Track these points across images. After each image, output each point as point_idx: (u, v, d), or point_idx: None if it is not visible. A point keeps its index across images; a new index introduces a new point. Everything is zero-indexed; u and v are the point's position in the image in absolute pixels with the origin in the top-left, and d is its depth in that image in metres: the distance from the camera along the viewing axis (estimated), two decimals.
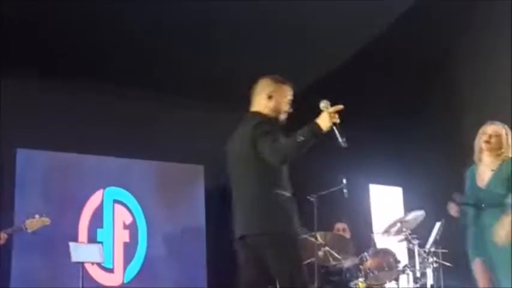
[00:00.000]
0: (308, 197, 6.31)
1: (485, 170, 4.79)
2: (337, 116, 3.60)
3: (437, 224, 6.40)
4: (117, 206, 7.90)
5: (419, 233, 6.51)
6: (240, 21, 7.16)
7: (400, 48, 7.44)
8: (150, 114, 8.09)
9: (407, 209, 8.47)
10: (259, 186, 3.83)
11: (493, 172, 4.72)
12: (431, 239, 6.37)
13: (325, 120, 3.56)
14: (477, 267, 4.70)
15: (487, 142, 4.75)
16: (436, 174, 7.99)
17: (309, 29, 7.33)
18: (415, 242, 6.29)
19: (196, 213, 8.41)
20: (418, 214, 6.50)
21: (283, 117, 4.00)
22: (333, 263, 6.55)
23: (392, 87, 7.76)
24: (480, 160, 4.85)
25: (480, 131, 4.86)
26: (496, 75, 7.11)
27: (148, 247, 7.98)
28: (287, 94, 3.97)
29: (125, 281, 7.74)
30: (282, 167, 3.84)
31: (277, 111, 3.96)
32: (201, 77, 7.86)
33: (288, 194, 3.85)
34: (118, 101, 7.88)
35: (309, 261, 6.26)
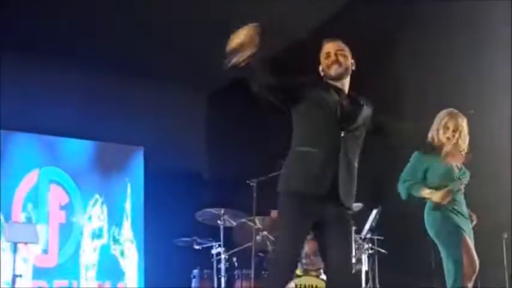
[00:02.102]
0: (248, 182, 6.31)
1: (451, 170, 4.61)
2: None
3: (374, 211, 6.49)
4: (53, 187, 7.77)
5: (356, 220, 6.59)
6: None
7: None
8: (90, 93, 7.95)
9: None
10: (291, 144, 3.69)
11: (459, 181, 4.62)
12: (367, 226, 6.45)
13: None
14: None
15: (449, 139, 4.59)
16: (374, 162, 8.09)
17: None
18: (351, 228, 6.36)
19: (134, 194, 8.34)
20: (355, 205, 6.58)
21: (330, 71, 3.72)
22: (270, 247, 6.58)
23: None
24: (437, 151, 4.63)
25: (441, 121, 4.66)
26: (438, 73, 7.23)
27: (84, 228, 7.89)
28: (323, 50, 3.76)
29: (60, 262, 7.63)
30: (313, 120, 3.61)
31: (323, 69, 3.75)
32: (144, 54, 7.74)
33: (312, 149, 3.56)
34: (56, 78, 7.71)
35: (246, 245, 6.29)
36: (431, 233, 4.62)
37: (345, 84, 3.72)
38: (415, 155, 4.70)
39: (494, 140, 6.27)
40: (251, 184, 6.31)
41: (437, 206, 4.57)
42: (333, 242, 3.55)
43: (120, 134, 8.17)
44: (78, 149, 8.05)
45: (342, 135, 3.58)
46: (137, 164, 8.45)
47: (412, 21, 7.44)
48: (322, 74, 3.74)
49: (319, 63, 3.75)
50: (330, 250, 3.56)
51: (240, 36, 3.38)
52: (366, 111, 3.72)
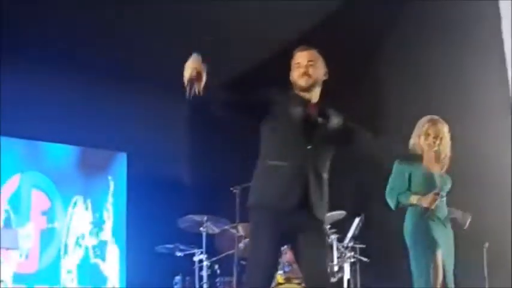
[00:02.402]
0: (231, 189, 6.31)
1: (432, 178, 4.63)
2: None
3: (356, 220, 6.50)
4: (35, 192, 7.72)
5: (339, 228, 6.60)
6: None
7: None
8: (72, 97, 7.92)
9: (329, 205, 8.59)
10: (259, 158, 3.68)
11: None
12: (349, 234, 6.46)
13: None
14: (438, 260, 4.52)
15: (430, 145, 4.59)
16: (357, 170, 8.10)
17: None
18: (334, 236, 6.37)
19: (117, 200, 8.30)
20: (337, 213, 6.60)
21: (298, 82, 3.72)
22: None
23: None
24: (418, 158, 4.59)
25: (422, 128, 4.68)
26: (421, 73, 7.27)
27: (66, 234, 7.85)
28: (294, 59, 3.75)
29: (40, 268, 7.58)
30: (280, 133, 3.60)
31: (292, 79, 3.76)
32: (127, 60, 7.72)
33: (279, 163, 3.56)
34: (39, 83, 7.66)
35: (229, 252, 6.27)
36: (407, 240, 4.64)
37: (314, 95, 3.71)
38: (395, 165, 4.71)
39: (478, 147, 6.31)
40: (234, 191, 6.32)
41: (417, 215, 4.60)
42: (308, 253, 3.55)
43: (103, 140, 8.14)
44: (61, 154, 8.02)
45: (310, 147, 3.57)
46: (120, 170, 8.41)
47: (396, 27, 7.49)
48: (292, 82, 3.73)
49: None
50: (306, 262, 3.56)
51: (188, 68, 3.38)
52: (334, 122, 3.71)
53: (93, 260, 8.03)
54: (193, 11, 7.05)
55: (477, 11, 6.64)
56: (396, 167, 4.71)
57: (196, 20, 7.24)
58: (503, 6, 6.31)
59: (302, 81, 3.66)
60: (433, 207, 4.53)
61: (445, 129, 4.70)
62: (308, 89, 3.67)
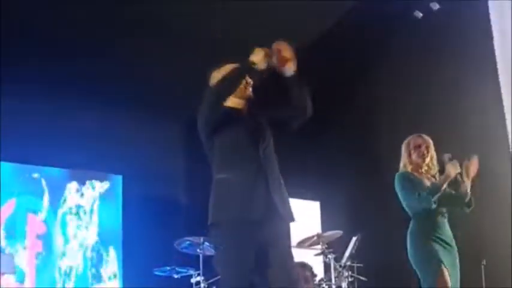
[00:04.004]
0: None
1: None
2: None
3: (353, 239, 6.50)
4: (30, 216, 7.69)
5: (336, 247, 6.60)
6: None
7: (322, 59, 7.50)
8: (68, 121, 7.90)
9: (325, 223, 8.59)
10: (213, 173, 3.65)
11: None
12: (347, 253, 6.46)
13: None
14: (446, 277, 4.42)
15: (423, 155, 4.60)
16: (354, 189, 8.12)
17: None
18: (331, 256, 6.37)
19: (113, 223, 8.27)
20: (335, 232, 6.59)
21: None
22: None
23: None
24: (417, 172, 4.64)
25: (410, 145, 4.68)
26: (415, 88, 7.32)
27: (62, 258, 7.80)
28: None
29: None
30: (225, 146, 3.61)
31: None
32: (123, 83, 7.73)
33: (234, 175, 3.52)
34: (33, 106, 7.64)
35: None
36: (410, 258, 4.61)
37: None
38: (400, 175, 4.65)
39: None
40: None
41: (419, 232, 4.56)
42: (276, 260, 3.46)
43: (99, 162, 8.12)
44: (56, 177, 7.99)
45: (261, 154, 3.58)
46: (115, 192, 8.39)
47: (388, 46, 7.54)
48: None
49: None
50: (273, 269, 3.44)
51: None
52: (267, 123, 3.73)
53: (89, 283, 7.98)
54: (184, 30, 7.09)
55: (470, 28, 6.71)
56: (402, 176, 4.64)
57: (188, 40, 7.28)
58: (495, 22, 6.39)
59: (248, 90, 3.71)
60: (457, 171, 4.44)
61: (430, 142, 4.69)
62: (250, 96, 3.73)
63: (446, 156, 4.50)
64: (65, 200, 7.99)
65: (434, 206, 4.43)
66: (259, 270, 3.43)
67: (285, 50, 3.59)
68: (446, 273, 4.42)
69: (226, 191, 3.52)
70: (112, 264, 8.18)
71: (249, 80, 3.71)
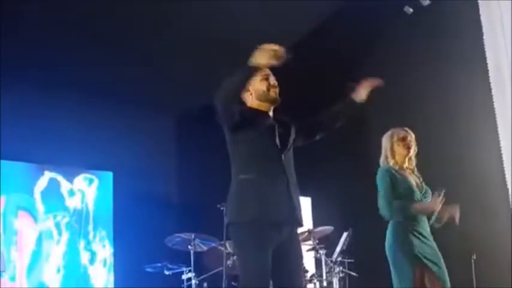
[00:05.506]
0: (218, 206, 6.29)
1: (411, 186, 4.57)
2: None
3: (345, 234, 6.52)
4: (21, 213, 7.66)
5: (327, 243, 6.62)
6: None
7: (317, 53, 7.49)
8: (57, 118, 7.88)
9: (316, 219, 8.60)
10: (232, 174, 3.65)
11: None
12: (338, 249, 6.47)
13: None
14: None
15: (408, 147, 4.59)
16: (345, 185, 8.13)
17: None
18: (322, 251, 6.38)
19: (104, 220, 8.26)
20: (326, 228, 6.61)
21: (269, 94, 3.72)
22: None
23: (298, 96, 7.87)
24: (399, 167, 4.61)
25: (393, 138, 4.66)
26: (405, 85, 7.33)
27: (53, 256, 7.79)
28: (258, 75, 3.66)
29: None
30: (250, 147, 3.58)
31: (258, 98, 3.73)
32: (113, 79, 7.71)
33: (257, 176, 3.52)
34: (22, 103, 7.61)
35: (217, 270, 6.25)
36: (388, 256, 4.52)
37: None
38: (383, 172, 4.61)
39: (462, 162, 6.35)
40: (222, 208, 6.30)
41: (398, 227, 4.52)
42: (288, 262, 3.53)
43: (89, 159, 8.10)
44: (47, 175, 7.96)
45: (283, 158, 3.60)
46: (106, 189, 8.38)
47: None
48: (253, 95, 3.72)
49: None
50: (283, 270, 3.51)
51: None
52: (293, 130, 3.77)
53: (80, 281, 7.97)
54: (175, 30, 7.08)
55: (460, 24, 6.73)
56: (383, 172, 4.61)
57: (177, 37, 7.27)
58: (485, 23, 6.41)
59: (274, 92, 3.70)
60: (438, 208, 4.43)
61: (413, 134, 4.68)
62: (276, 100, 3.71)
63: (440, 191, 4.44)
64: (55, 198, 7.97)
65: (404, 219, 4.44)
66: (273, 270, 3.49)
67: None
68: (419, 269, 4.37)
69: (251, 191, 3.52)
70: (103, 260, 8.17)
71: (273, 82, 3.70)
